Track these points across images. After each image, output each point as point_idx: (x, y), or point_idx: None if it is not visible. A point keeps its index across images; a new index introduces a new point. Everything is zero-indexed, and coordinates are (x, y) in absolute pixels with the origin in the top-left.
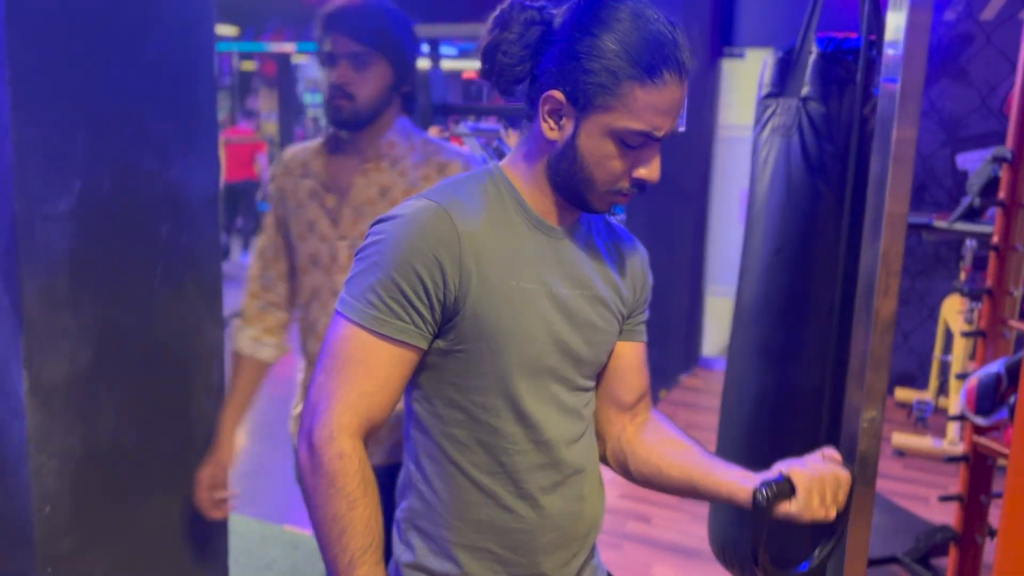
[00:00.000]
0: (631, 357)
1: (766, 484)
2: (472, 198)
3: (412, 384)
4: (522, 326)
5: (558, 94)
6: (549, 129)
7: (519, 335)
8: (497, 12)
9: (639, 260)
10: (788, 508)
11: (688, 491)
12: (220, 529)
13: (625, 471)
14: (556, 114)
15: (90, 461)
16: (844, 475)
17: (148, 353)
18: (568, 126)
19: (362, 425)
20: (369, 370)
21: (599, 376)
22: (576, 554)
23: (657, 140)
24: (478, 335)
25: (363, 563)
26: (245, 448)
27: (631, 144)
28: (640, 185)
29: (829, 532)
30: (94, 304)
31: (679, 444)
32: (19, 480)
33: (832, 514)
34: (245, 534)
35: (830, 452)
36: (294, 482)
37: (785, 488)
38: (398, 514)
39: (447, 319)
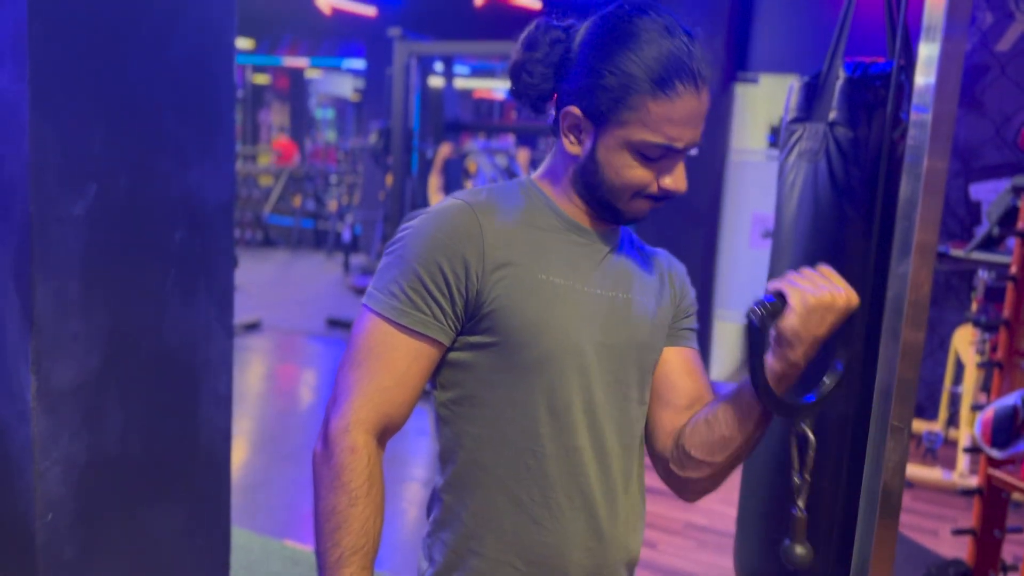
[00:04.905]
0: (677, 362)
1: (758, 303)
2: (503, 200)
3: (439, 387)
4: (552, 320)
5: (576, 110)
6: (570, 144)
7: (549, 329)
8: (526, 33)
9: (677, 272)
10: (786, 324)
11: (736, 429)
12: (222, 542)
13: (681, 465)
14: (575, 129)
15: (95, 468)
16: (839, 293)
17: (157, 359)
18: (587, 141)
19: (379, 421)
20: (389, 363)
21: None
22: None
23: (678, 152)
24: (507, 328)
25: (350, 563)
26: (247, 461)
27: (650, 156)
28: (666, 195)
29: (837, 361)
30: (105, 309)
31: (709, 402)
32: (23, 485)
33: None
34: (246, 548)
35: (825, 267)
36: (295, 496)
37: (778, 306)
38: (424, 531)
39: (471, 315)
